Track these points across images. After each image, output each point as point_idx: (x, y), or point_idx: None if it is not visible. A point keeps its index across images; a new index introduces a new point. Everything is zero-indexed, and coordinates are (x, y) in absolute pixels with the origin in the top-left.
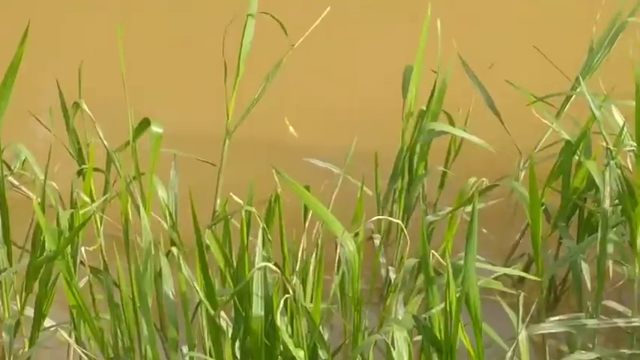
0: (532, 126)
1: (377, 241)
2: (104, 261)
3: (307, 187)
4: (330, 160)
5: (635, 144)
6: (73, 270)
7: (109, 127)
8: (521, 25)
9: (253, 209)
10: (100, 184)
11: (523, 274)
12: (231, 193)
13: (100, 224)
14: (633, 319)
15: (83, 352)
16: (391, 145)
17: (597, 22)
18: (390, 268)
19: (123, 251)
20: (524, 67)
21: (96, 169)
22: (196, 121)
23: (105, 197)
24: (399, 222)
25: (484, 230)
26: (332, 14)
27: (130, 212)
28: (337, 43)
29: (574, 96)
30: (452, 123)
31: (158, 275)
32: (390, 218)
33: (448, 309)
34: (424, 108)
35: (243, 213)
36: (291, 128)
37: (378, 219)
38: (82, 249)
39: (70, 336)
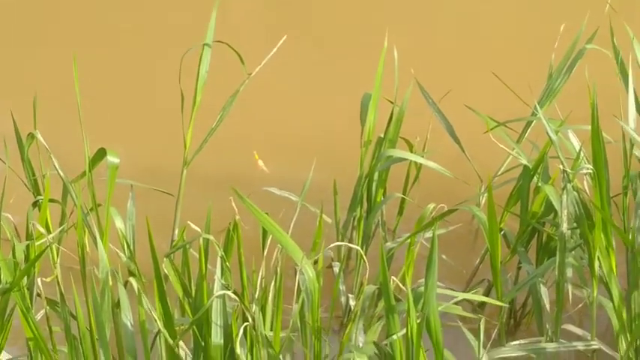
0: (492, 151)
1: (336, 269)
2: (61, 293)
3: (266, 214)
4: (289, 189)
5: (591, 166)
6: (29, 302)
7: (64, 158)
8: (480, 51)
9: (211, 237)
10: (56, 215)
11: (483, 298)
12: (189, 222)
13: (57, 256)
14: (592, 343)
15: None
16: (350, 173)
17: (555, 49)
18: (349, 295)
19: (80, 282)
20: (483, 93)
21: (52, 201)
22: (154, 153)
23: (61, 228)
24: (359, 248)
25: (444, 256)
26: (288, 43)
27: (86, 243)
28: (294, 72)
29: (534, 121)
30: (411, 149)
31: (116, 306)
32: (349, 244)
33: (409, 335)
34: (382, 135)
35: (202, 241)
36: (260, 162)
37: (338, 246)
38: (39, 280)
39: None
